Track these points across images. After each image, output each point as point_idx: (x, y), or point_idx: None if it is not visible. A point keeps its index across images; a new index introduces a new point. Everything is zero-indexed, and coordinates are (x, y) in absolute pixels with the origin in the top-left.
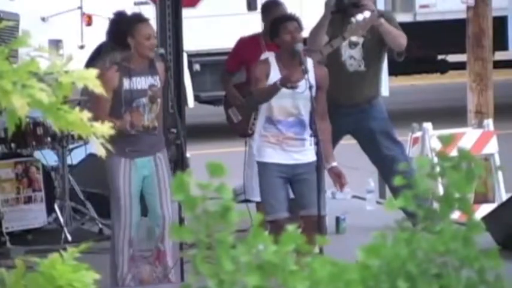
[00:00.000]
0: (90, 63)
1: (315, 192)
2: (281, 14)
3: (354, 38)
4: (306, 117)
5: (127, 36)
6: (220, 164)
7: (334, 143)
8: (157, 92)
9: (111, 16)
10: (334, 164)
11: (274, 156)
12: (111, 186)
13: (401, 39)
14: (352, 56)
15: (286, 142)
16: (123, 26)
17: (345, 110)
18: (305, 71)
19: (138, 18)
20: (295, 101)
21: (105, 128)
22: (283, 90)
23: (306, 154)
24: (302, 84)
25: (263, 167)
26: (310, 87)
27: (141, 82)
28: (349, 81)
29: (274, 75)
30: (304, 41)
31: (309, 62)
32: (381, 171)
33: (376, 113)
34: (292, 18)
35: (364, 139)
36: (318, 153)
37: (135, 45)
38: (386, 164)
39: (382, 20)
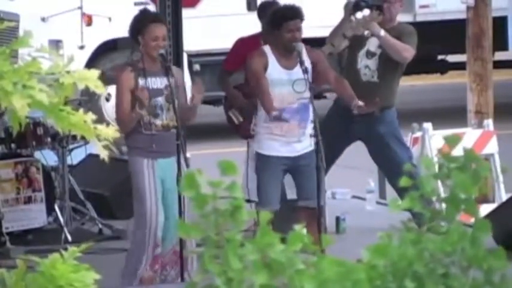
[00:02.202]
0: (91, 63)
1: (314, 183)
2: (287, 7)
3: (372, 48)
4: (308, 99)
5: (137, 35)
6: (232, 162)
7: (343, 148)
8: (174, 92)
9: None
10: (360, 102)
11: (277, 149)
12: (136, 185)
13: (404, 53)
14: (367, 66)
15: (290, 132)
16: (135, 25)
17: (356, 118)
18: (305, 71)
19: (151, 18)
20: (296, 86)
21: (110, 131)
22: (283, 77)
23: (307, 141)
24: (302, 84)
25: (265, 159)
26: (311, 88)
27: (157, 82)
28: (361, 90)
29: (272, 66)
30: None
31: (302, 47)
32: (387, 176)
33: (385, 119)
34: (297, 16)
35: (374, 144)
36: (317, 153)
37: (143, 45)
38: (393, 168)
39: (382, 33)
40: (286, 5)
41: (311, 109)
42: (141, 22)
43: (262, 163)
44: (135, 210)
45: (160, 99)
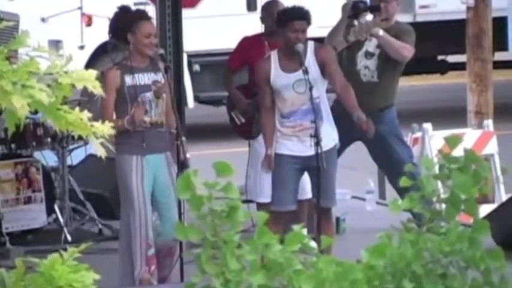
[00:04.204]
0: (90, 63)
1: (330, 184)
2: (294, 7)
3: (370, 49)
4: (319, 100)
5: (126, 33)
6: (227, 164)
7: (343, 148)
8: (162, 87)
9: (115, 10)
10: (361, 114)
11: (291, 148)
12: (123, 184)
13: (404, 52)
14: (366, 66)
15: (303, 132)
16: (123, 22)
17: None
18: (305, 72)
19: (140, 15)
20: (296, 91)
21: (106, 128)
22: (287, 82)
23: (324, 141)
24: (302, 85)
25: (279, 158)
26: (311, 88)
27: (144, 78)
28: (362, 91)
29: (275, 74)
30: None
31: (310, 45)
32: (388, 176)
33: (385, 118)
34: (303, 18)
35: (374, 144)
36: (317, 154)
37: (134, 43)
38: (394, 168)
39: (381, 33)
40: (295, 5)
41: (323, 108)
42: (130, 20)
43: (276, 162)
44: (122, 210)
45: (149, 95)
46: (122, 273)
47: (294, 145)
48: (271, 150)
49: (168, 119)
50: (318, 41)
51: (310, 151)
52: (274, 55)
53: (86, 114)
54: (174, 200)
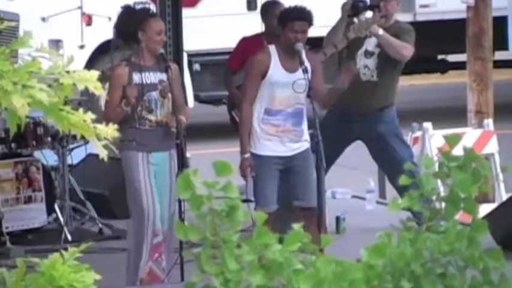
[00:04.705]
0: (91, 63)
1: (309, 183)
2: (296, 8)
3: (370, 48)
4: (303, 106)
5: (136, 31)
6: (227, 163)
7: (343, 148)
8: (167, 86)
9: (119, 9)
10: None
11: (272, 148)
12: (131, 180)
13: (403, 51)
14: (366, 66)
15: (285, 134)
16: (132, 21)
17: (356, 118)
18: (305, 71)
19: (148, 13)
20: (296, 91)
21: (109, 130)
22: (284, 79)
23: (302, 142)
24: (302, 84)
25: (259, 159)
26: (310, 88)
27: (151, 77)
28: (361, 91)
29: (274, 68)
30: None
31: (301, 47)
32: (388, 175)
33: (385, 118)
34: (303, 18)
35: (374, 144)
36: (317, 153)
37: (145, 40)
38: (394, 167)
39: (381, 32)
40: (297, 5)
41: (304, 111)
42: (139, 18)
43: (258, 163)
44: (130, 205)
45: (154, 94)
46: (129, 268)
47: (276, 145)
48: (249, 154)
49: (183, 114)
50: (318, 40)
51: (291, 151)
52: (273, 49)
53: (89, 116)
54: (166, 199)
